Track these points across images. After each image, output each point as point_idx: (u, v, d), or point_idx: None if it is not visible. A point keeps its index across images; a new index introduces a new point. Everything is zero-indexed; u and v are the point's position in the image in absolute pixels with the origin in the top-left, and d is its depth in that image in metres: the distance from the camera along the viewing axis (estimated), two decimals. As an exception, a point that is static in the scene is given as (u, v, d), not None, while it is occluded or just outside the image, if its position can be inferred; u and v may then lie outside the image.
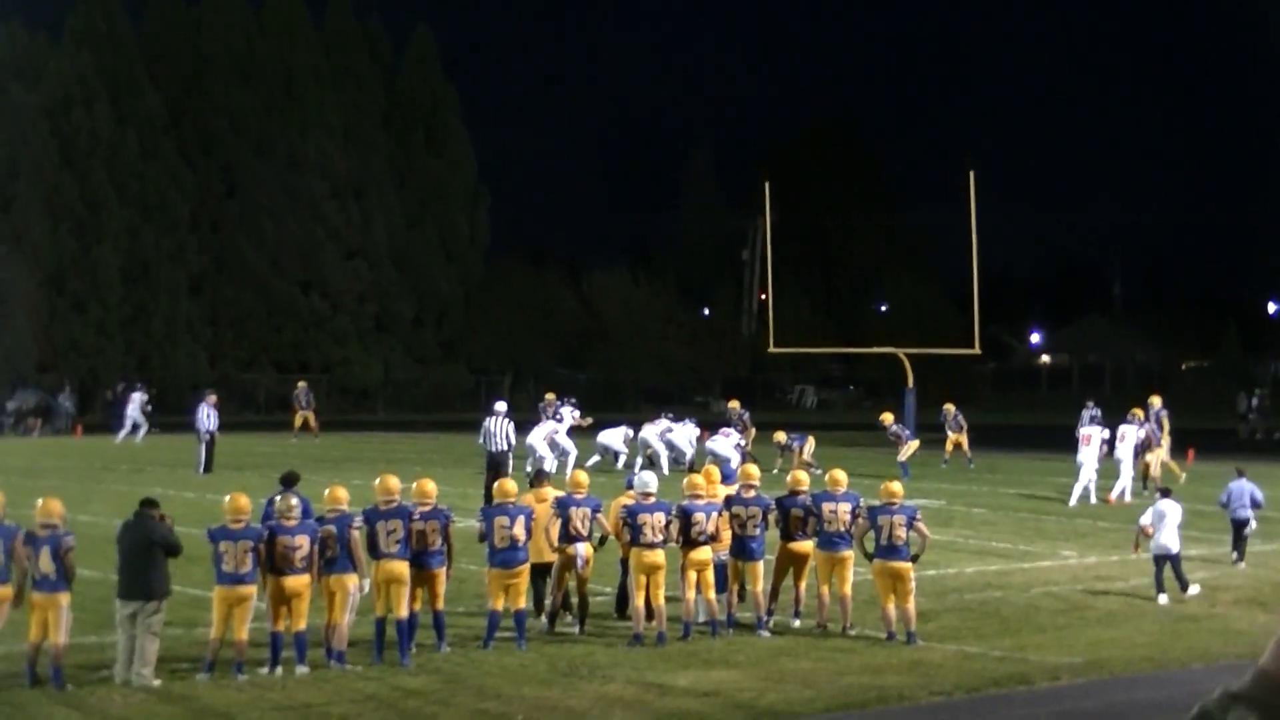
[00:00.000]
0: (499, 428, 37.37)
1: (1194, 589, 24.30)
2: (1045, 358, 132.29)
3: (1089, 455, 38.21)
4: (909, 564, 20.91)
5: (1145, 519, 24.80)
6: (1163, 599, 24.08)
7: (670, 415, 47.07)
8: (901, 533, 20.86)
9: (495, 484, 21.16)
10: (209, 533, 18.66)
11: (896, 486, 21.74)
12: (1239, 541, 28.17)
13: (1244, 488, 28.12)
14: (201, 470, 43.92)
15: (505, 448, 37.23)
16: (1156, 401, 42.98)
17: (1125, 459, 38.79)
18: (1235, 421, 66.62)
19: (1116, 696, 17.89)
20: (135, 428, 56.89)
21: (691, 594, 20.92)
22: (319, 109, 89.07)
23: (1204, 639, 21.34)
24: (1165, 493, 25.59)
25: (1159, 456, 40.98)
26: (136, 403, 57.62)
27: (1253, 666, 2.84)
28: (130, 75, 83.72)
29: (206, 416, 45.31)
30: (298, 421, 57.87)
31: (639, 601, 20.49)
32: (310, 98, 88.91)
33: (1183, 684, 18.46)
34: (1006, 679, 18.48)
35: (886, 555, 20.87)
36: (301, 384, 60.54)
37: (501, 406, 38.73)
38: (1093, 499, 37.65)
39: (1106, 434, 39.08)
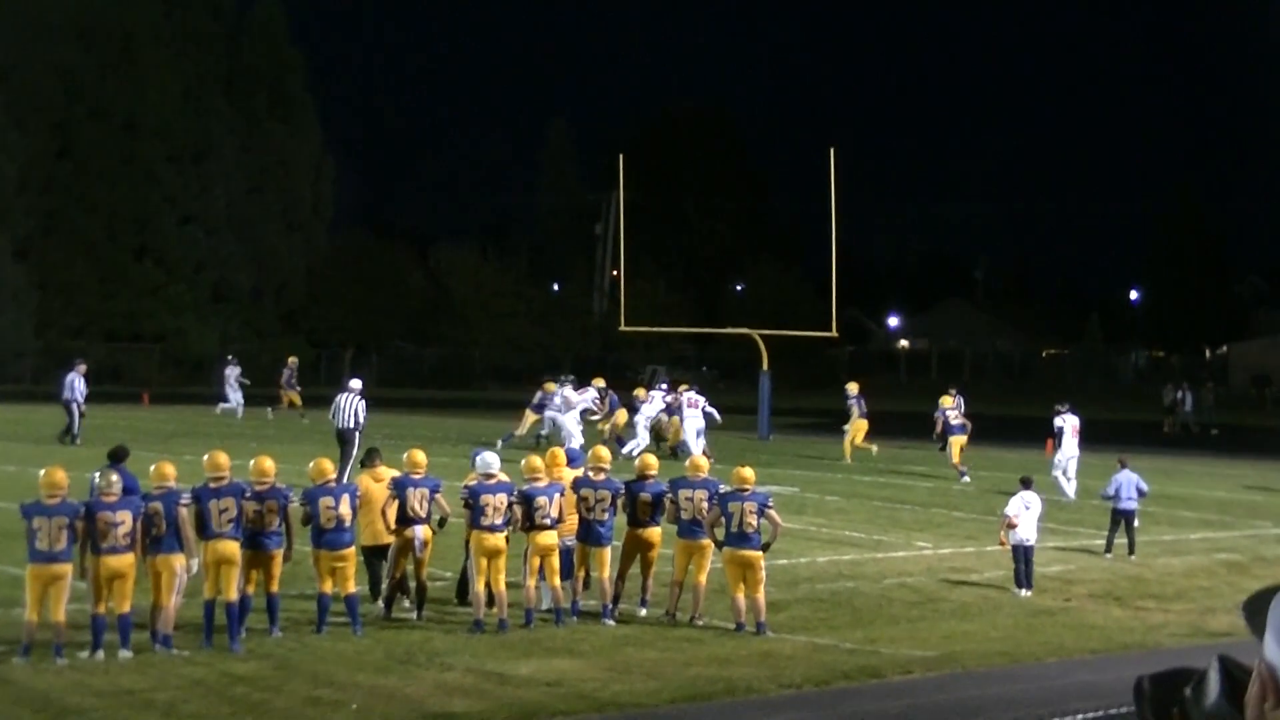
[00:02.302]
0: (349, 404, 37.80)
1: (1026, 593, 24.43)
2: (904, 342, 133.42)
3: (1071, 445, 38.04)
4: (759, 553, 20.89)
5: (1011, 509, 24.89)
6: (1022, 592, 24.28)
7: (662, 385, 47.86)
8: (753, 520, 20.82)
9: (312, 463, 20.88)
10: (22, 508, 18.29)
11: (748, 472, 21.65)
12: (1126, 532, 28.39)
13: (1130, 479, 28.38)
14: (65, 437, 44.08)
15: (353, 425, 37.43)
16: (947, 401, 44.93)
17: None
18: (1161, 414, 66.90)
19: (969, 691, 18.00)
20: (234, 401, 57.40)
21: (534, 580, 20.81)
22: (158, 70, 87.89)
23: (1059, 633, 21.54)
24: (1027, 483, 25.70)
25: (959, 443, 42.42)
26: (231, 376, 58.19)
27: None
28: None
29: (73, 386, 45.47)
30: (286, 400, 57.80)
31: (479, 586, 20.37)
32: (149, 58, 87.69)
33: (1037, 679, 18.62)
34: (857, 672, 18.53)
35: (737, 543, 20.83)
36: (293, 360, 60.05)
37: (356, 384, 39.24)
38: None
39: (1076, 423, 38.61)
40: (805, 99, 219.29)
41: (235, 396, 57.53)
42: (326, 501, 20.08)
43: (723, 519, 21.05)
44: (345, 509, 20.14)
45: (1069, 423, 38.34)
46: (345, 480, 24.95)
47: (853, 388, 47.47)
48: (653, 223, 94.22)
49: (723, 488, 21.82)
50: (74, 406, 45.19)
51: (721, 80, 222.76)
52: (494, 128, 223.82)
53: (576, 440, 41.36)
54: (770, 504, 21.31)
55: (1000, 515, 25.85)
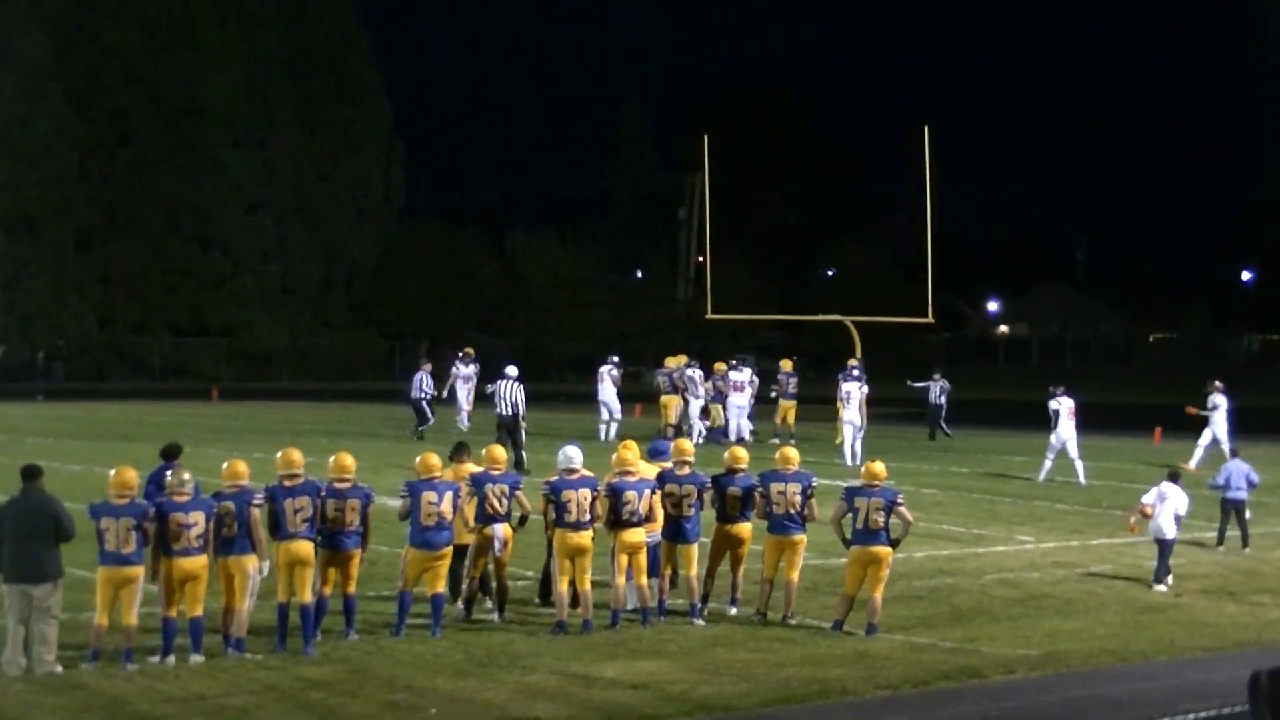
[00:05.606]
0: (508, 391, 39.46)
1: (1161, 588, 24.33)
2: (1003, 328, 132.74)
3: (1068, 428, 38.53)
4: (889, 548, 20.76)
5: (1147, 498, 24.79)
6: (1158, 587, 24.17)
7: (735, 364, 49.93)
8: (879, 517, 20.52)
9: (419, 458, 20.86)
10: (90, 509, 18.43)
11: (879, 467, 21.31)
12: (1239, 524, 28.25)
13: (1241, 468, 28.25)
14: (419, 432, 47.01)
15: (512, 413, 39.14)
16: (787, 365, 48.95)
17: None
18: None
19: (1074, 691, 17.94)
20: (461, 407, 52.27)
21: (621, 579, 20.83)
22: (219, 52, 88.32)
23: (1169, 630, 21.41)
24: (1174, 477, 25.44)
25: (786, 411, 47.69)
26: (460, 376, 52.19)
27: None
28: (10, 14, 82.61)
29: (423, 383, 48.19)
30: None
31: (563, 587, 20.41)
32: (210, 40, 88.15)
33: (1145, 679, 18.54)
34: (957, 672, 18.49)
35: (863, 540, 20.63)
36: (469, 350, 54.62)
37: (513, 371, 40.55)
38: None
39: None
40: (892, 73, 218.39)
41: (464, 402, 51.09)
42: (429, 496, 20.08)
43: (849, 514, 20.91)
44: (447, 506, 20.12)
45: (1064, 405, 38.89)
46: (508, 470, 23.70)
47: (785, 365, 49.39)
48: (734, 205, 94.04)
49: (815, 481, 21.83)
50: (424, 405, 47.97)
51: (802, 56, 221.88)
52: (569, 108, 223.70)
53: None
54: (900, 501, 21.03)
55: (1134, 505, 25.62)
